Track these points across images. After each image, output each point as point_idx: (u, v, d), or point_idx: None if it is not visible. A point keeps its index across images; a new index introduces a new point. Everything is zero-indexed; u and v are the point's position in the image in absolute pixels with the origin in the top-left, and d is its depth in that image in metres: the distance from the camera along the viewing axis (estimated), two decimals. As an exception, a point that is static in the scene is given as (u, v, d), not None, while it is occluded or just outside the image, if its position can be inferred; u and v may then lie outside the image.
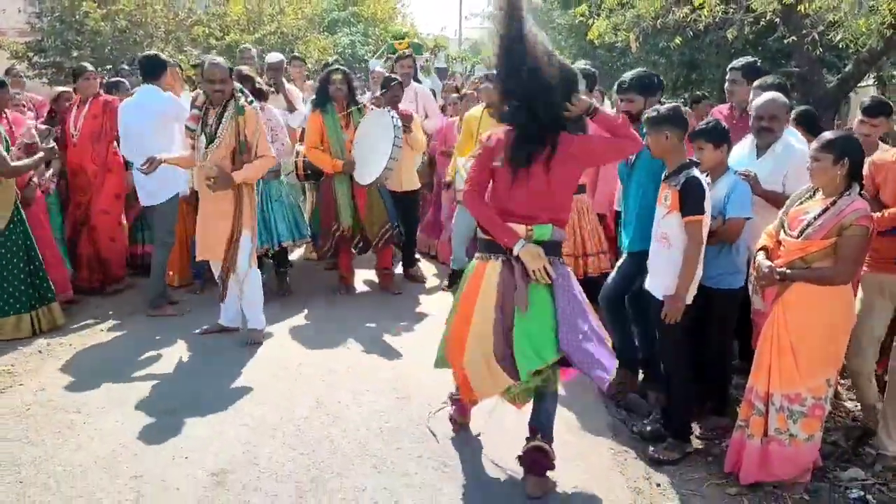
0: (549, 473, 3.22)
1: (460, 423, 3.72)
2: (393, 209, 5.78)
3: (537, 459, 3.16)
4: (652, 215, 3.69)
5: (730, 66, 4.79)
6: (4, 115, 5.19)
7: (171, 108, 5.29)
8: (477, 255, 3.29)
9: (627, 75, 4.22)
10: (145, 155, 4.70)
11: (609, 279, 4.19)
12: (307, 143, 5.70)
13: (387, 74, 6.20)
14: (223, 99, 4.64)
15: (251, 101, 4.82)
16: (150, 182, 5.07)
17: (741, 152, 3.95)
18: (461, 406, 3.69)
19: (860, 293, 3.60)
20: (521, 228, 3.08)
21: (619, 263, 4.19)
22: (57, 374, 4.35)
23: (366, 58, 13.53)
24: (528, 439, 3.22)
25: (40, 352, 4.70)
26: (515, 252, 3.06)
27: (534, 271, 3.04)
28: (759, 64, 4.72)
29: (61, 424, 3.71)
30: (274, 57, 6.90)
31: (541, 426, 3.20)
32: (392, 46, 10.57)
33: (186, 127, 4.76)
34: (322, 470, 3.34)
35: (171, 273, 5.99)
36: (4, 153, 4.69)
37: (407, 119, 5.62)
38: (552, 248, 3.13)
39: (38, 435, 3.60)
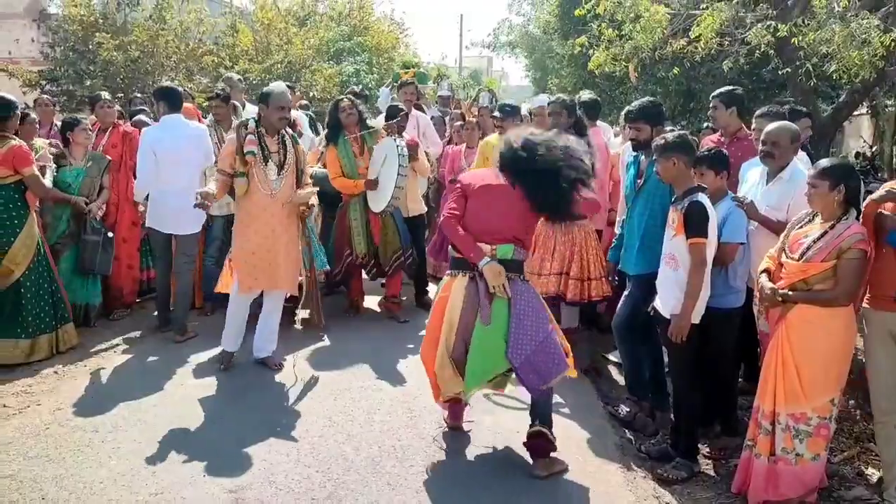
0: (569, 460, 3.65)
1: (452, 426, 3.99)
2: (407, 235, 5.88)
3: (539, 443, 3.57)
4: (656, 239, 3.88)
5: (711, 94, 4.97)
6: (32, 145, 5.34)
7: (202, 138, 5.49)
8: (448, 271, 3.70)
9: (635, 105, 4.37)
10: (173, 183, 4.96)
11: (619, 307, 4.29)
12: (331, 174, 5.81)
13: (393, 103, 6.33)
14: (286, 125, 4.81)
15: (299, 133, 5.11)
16: (188, 212, 4.91)
17: (753, 178, 4.07)
18: (452, 410, 3.97)
19: (867, 332, 3.41)
20: (486, 248, 3.49)
21: (626, 291, 4.29)
22: (73, 394, 4.43)
23: (370, 86, 13.76)
24: (529, 425, 3.59)
25: (56, 372, 4.78)
26: (480, 267, 3.46)
27: (493, 287, 3.44)
28: (740, 92, 4.90)
29: (80, 443, 3.79)
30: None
31: (540, 412, 3.59)
32: (397, 75, 10.78)
33: (249, 152, 4.63)
34: (337, 486, 3.42)
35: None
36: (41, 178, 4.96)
37: (413, 147, 5.75)
38: (514, 266, 3.53)
39: (59, 453, 3.68)
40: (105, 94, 6.22)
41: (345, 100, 5.86)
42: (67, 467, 3.54)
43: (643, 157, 4.23)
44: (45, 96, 6.50)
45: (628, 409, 4.30)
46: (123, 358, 5.09)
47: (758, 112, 4.47)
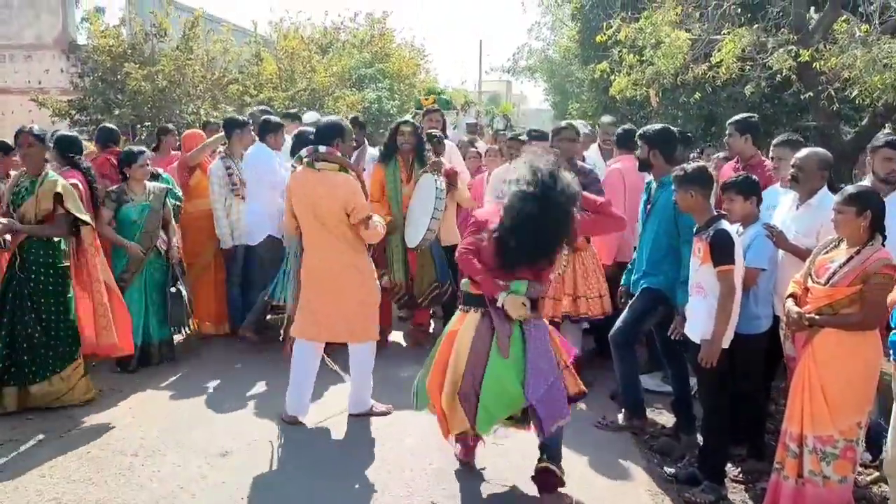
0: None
1: (463, 461, 3.93)
2: (444, 267, 5.80)
3: (546, 479, 3.53)
4: (661, 259, 4.17)
5: (728, 122, 5.06)
6: None
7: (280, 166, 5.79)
8: (460, 307, 3.66)
9: (646, 128, 4.52)
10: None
11: (619, 321, 4.40)
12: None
13: (429, 131, 6.28)
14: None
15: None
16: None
17: (784, 203, 4.13)
18: (464, 445, 3.92)
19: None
20: (500, 284, 3.42)
21: (630, 303, 4.41)
22: (113, 418, 4.55)
23: (392, 112, 13.98)
24: (538, 460, 3.54)
25: (94, 397, 4.90)
26: (499, 303, 3.38)
27: (517, 317, 3.38)
28: (754, 119, 4.99)
29: (122, 466, 3.90)
30: (311, 117, 7.20)
31: (548, 446, 3.52)
32: (419, 102, 10.92)
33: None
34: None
35: (206, 322, 6.22)
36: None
37: (452, 176, 5.78)
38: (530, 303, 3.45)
39: (101, 476, 3.79)
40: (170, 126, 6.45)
41: (407, 125, 5.82)
42: (110, 490, 3.65)
43: (654, 183, 4.39)
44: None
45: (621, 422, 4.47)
46: (161, 382, 5.20)
47: (776, 140, 4.54)
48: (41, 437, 4.24)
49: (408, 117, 6.20)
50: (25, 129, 4.70)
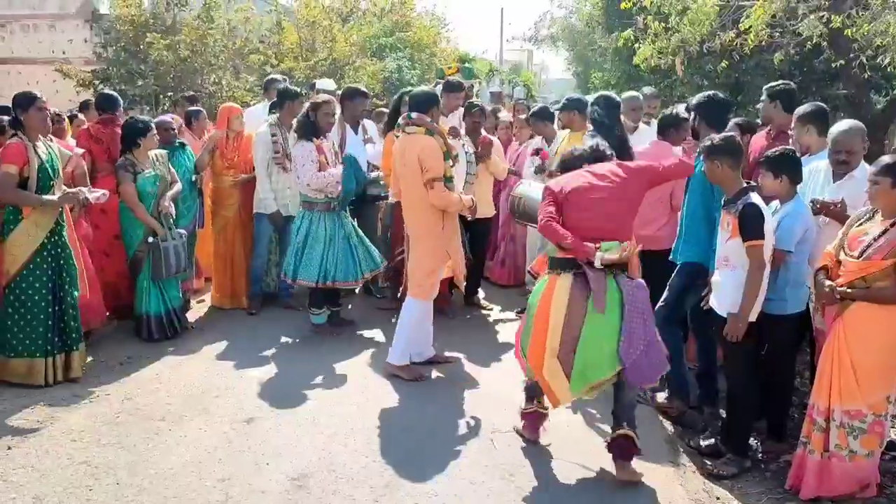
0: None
1: (529, 439, 3.90)
2: (461, 237, 5.68)
3: (624, 446, 3.49)
4: (697, 231, 4.10)
5: (765, 87, 4.92)
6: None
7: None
8: (548, 270, 3.62)
9: (695, 98, 4.46)
10: None
11: (662, 300, 4.32)
12: (384, 167, 5.82)
13: (471, 100, 6.16)
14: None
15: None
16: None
17: (816, 177, 4.01)
18: (532, 423, 3.89)
19: None
20: (591, 246, 3.42)
21: (670, 281, 4.32)
22: (140, 384, 4.62)
23: (412, 81, 13.86)
24: (612, 428, 3.55)
25: (121, 364, 4.98)
26: (597, 262, 3.37)
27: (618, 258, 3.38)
28: (788, 87, 4.84)
29: (150, 431, 3.97)
30: (326, 84, 7.09)
31: (624, 414, 3.51)
32: (441, 71, 10.76)
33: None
34: (395, 476, 3.53)
35: (219, 295, 6.23)
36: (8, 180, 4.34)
37: (487, 146, 5.67)
38: (621, 265, 3.45)
39: (130, 441, 3.86)
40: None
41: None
42: (139, 454, 3.71)
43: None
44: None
45: (660, 400, 4.39)
46: (183, 350, 5.26)
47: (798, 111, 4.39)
48: (71, 402, 4.32)
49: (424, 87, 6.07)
50: None
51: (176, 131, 6.04)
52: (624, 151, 4.64)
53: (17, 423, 4.03)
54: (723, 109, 4.35)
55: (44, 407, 4.24)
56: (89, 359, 4.95)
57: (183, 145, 6.05)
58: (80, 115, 7.48)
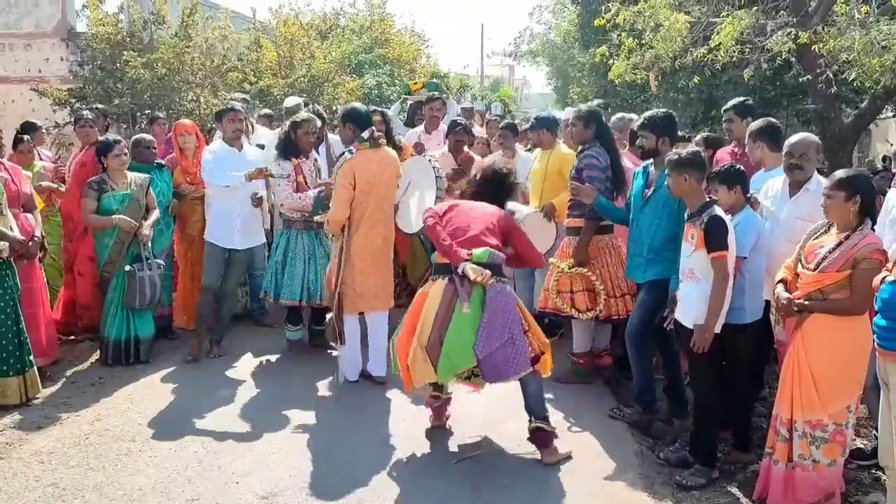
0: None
1: (435, 425, 4.25)
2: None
3: (540, 437, 3.88)
4: (664, 247, 4.10)
5: (724, 108, 5.01)
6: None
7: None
8: (430, 276, 4.02)
9: (645, 115, 4.47)
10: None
11: (632, 316, 4.36)
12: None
13: (455, 118, 6.18)
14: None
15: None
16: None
17: (775, 190, 4.08)
18: (436, 410, 4.25)
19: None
20: (463, 252, 3.83)
21: (639, 297, 4.35)
22: (111, 406, 4.59)
23: (392, 98, 13.93)
24: (528, 422, 3.88)
25: (93, 385, 4.94)
26: (460, 269, 3.76)
27: (474, 279, 3.72)
28: (751, 102, 4.95)
29: (119, 452, 3.95)
30: (292, 101, 6.98)
31: (533, 408, 3.88)
32: (407, 87, 10.72)
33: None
34: (366, 493, 3.55)
35: (186, 317, 6.04)
36: None
37: (468, 162, 5.68)
38: (492, 269, 3.80)
39: (99, 462, 3.84)
40: (87, 114, 6.10)
41: (375, 115, 5.59)
42: (107, 475, 3.70)
43: (652, 167, 4.32)
44: (87, 113, 6.20)
45: (630, 412, 4.40)
46: (156, 371, 5.22)
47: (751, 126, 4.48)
48: (40, 423, 4.30)
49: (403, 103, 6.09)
50: None
51: (154, 150, 5.92)
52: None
53: (-16, 446, 4.00)
54: (675, 124, 4.46)
55: (12, 429, 4.22)
56: (62, 380, 4.93)
57: (160, 166, 5.93)
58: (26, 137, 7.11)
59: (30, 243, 4.74)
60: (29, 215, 4.90)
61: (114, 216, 5.20)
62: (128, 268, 5.21)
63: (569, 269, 4.67)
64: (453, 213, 4.03)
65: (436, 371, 3.70)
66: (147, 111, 11.06)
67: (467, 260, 3.77)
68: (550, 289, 4.75)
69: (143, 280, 5.21)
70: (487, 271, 3.74)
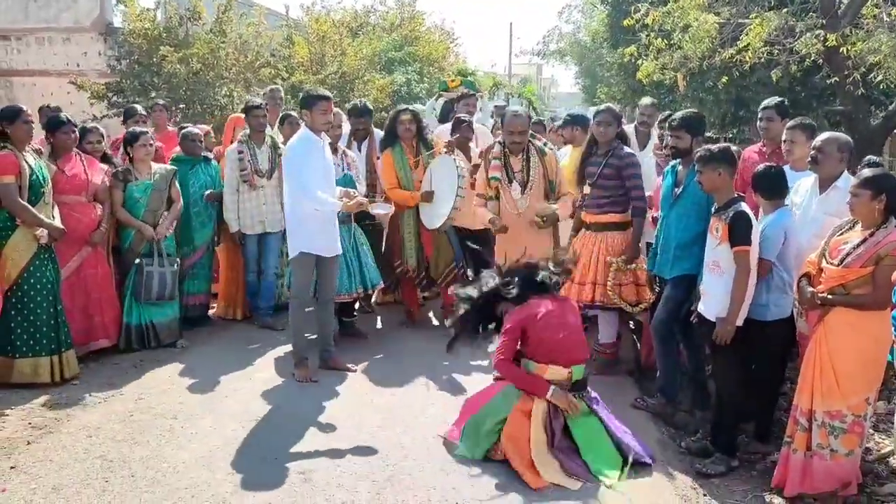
0: None
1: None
2: (459, 250, 5.81)
3: None
4: (692, 243, 4.17)
5: (762, 105, 5.06)
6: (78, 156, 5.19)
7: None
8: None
9: (678, 114, 4.54)
10: None
11: (658, 310, 4.46)
12: (386, 183, 5.83)
13: (458, 115, 6.28)
14: (522, 148, 5.09)
15: (545, 143, 5.32)
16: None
17: (805, 187, 4.15)
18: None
19: None
20: (563, 371, 3.87)
21: (665, 293, 4.44)
22: (153, 385, 4.82)
23: (420, 95, 14.08)
24: None
25: (135, 366, 5.16)
26: (549, 396, 3.81)
27: (565, 409, 3.81)
28: (787, 103, 5.00)
29: (162, 428, 4.16)
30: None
31: None
32: (444, 84, 10.87)
33: (493, 177, 5.08)
34: (396, 471, 3.70)
35: (224, 305, 6.32)
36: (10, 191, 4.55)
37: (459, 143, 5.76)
38: (583, 384, 3.96)
39: (143, 437, 4.04)
40: (161, 101, 6.35)
41: (406, 113, 5.82)
42: (152, 449, 3.89)
43: (680, 166, 4.41)
44: (161, 102, 6.52)
45: (654, 402, 4.51)
46: (193, 356, 5.44)
47: (789, 123, 4.54)
48: (86, 401, 4.52)
49: (428, 102, 6.23)
50: None
51: (202, 143, 6.06)
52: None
53: (34, 421, 4.22)
54: (705, 125, 4.56)
55: (59, 406, 4.43)
56: (105, 362, 5.18)
57: (208, 159, 6.07)
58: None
59: (94, 232, 5.13)
60: (98, 205, 5.20)
61: (140, 223, 5.37)
62: (137, 261, 5.37)
63: (625, 265, 4.84)
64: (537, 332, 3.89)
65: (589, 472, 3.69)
66: (182, 105, 11.35)
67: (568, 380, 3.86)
68: (609, 284, 4.83)
69: (150, 275, 5.34)
70: (571, 399, 3.83)
